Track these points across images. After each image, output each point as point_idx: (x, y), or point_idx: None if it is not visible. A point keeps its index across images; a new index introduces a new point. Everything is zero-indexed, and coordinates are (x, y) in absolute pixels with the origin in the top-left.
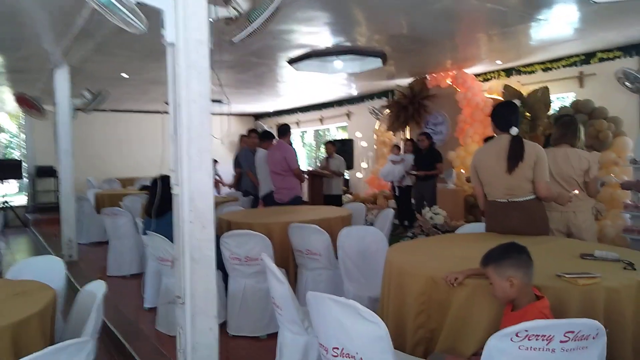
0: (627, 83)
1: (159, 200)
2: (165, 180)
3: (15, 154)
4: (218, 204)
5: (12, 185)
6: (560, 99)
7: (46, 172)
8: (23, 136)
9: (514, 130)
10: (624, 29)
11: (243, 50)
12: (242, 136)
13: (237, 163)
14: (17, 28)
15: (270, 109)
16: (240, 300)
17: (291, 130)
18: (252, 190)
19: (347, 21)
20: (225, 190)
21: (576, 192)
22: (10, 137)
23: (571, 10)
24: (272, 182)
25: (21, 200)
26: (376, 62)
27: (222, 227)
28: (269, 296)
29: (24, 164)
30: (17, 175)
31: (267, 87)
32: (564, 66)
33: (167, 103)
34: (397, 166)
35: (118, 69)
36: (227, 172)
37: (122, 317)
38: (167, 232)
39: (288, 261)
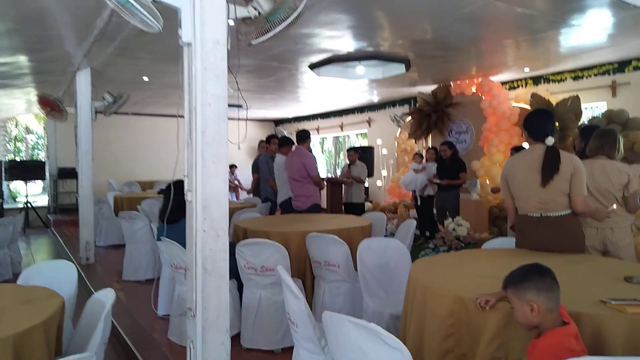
0: None
1: (171, 206)
2: (178, 185)
3: (42, 155)
4: (235, 209)
5: (37, 185)
6: (590, 108)
7: (68, 173)
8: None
9: (550, 140)
10: None
11: (263, 54)
12: (261, 142)
13: (256, 168)
14: (42, 29)
15: (290, 115)
16: (255, 312)
17: (311, 137)
18: (272, 196)
19: (370, 25)
20: (243, 195)
21: (614, 207)
22: (37, 138)
23: (605, 16)
24: (291, 188)
25: (44, 201)
26: (399, 68)
27: (239, 234)
28: (285, 309)
29: (47, 165)
30: (41, 176)
31: (288, 93)
32: (595, 75)
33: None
34: (420, 175)
35: (139, 72)
36: (247, 177)
37: (134, 324)
38: (180, 238)
39: (305, 272)
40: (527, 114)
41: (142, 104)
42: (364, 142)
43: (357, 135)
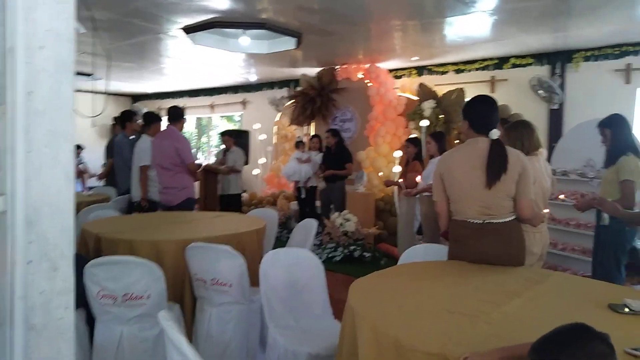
0: (540, 91)
1: None
2: None
3: None
4: (82, 205)
5: None
6: None
7: None
8: None
9: (495, 133)
10: (536, 35)
11: (123, 6)
12: (117, 119)
13: (110, 152)
14: None
15: (151, 90)
16: (113, 357)
17: (185, 117)
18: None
19: None
20: (92, 182)
21: (547, 210)
22: None
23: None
24: (159, 179)
25: None
26: (289, 43)
27: (88, 243)
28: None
29: None
30: None
31: (150, 62)
32: (476, 69)
33: None
34: (304, 166)
35: None
36: (95, 162)
37: None
38: None
39: (183, 293)
40: (469, 100)
41: None
42: (230, 126)
43: (222, 117)
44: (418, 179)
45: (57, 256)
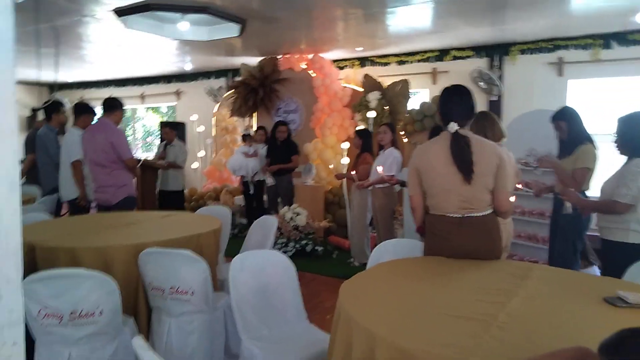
0: (481, 83)
1: None
2: None
3: None
4: None
5: None
6: (414, 93)
7: None
8: None
9: (452, 127)
10: (476, 27)
11: None
12: (41, 110)
13: (31, 147)
14: None
15: (72, 79)
16: None
17: (123, 108)
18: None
19: None
20: None
21: (513, 199)
22: None
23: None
24: (93, 177)
25: None
26: (232, 30)
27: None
28: None
29: None
30: None
31: (72, 48)
32: (418, 61)
33: None
34: (251, 160)
35: None
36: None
37: None
38: None
39: (137, 304)
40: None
41: None
42: (156, 118)
43: (147, 109)
44: (380, 169)
45: (0, 282)
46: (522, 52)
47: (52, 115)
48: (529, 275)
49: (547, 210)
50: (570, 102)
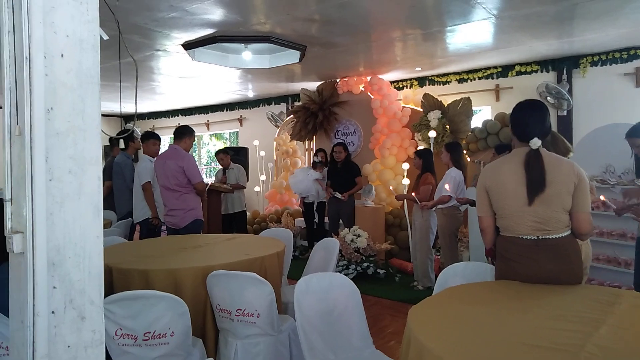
0: (549, 98)
1: None
2: None
3: None
4: None
5: None
6: (476, 111)
7: None
8: None
9: (535, 143)
10: (541, 41)
11: (122, 21)
12: (113, 140)
13: (108, 174)
14: None
15: (143, 110)
16: None
17: (194, 134)
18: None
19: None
20: None
21: None
22: None
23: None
24: (163, 200)
25: None
26: (293, 57)
27: None
28: None
29: None
30: None
31: (144, 81)
32: (479, 78)
33: None
34: (319, 185)
35: None
36: None
37: None
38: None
39: (205, 326)
40: (513, 107)
41: None
42: (220, 145)
43: (211, 136)
44: (447, 187)
45: (84, 303)
46: (593, 64)
47: (129, 143)
48: (618, 302)
49: (629, 231)
50: None
